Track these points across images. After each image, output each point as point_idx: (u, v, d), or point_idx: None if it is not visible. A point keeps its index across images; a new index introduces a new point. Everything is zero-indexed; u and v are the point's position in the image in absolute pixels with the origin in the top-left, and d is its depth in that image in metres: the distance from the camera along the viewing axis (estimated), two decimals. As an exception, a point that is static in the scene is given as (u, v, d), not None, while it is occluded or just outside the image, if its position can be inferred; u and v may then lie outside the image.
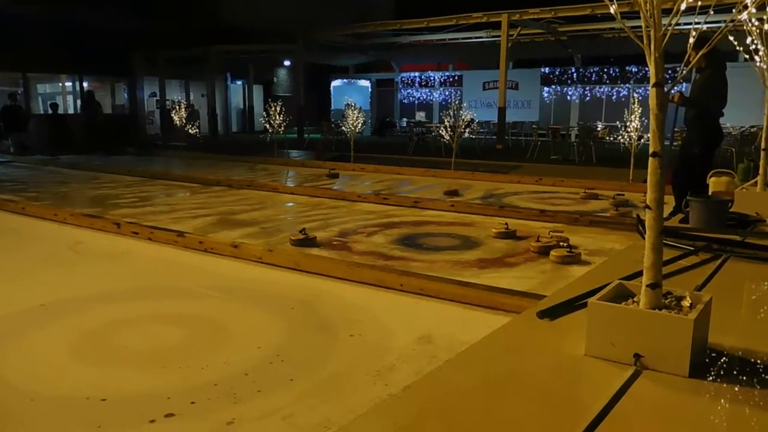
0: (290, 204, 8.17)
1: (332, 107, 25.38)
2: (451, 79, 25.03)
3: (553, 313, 2.26)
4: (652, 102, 1.80)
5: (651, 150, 1.82)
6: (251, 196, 8.56)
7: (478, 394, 1.80)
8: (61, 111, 18.71)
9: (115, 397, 2.64)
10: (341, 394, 2.72)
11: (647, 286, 1.83)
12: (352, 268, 4.46)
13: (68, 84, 21.71)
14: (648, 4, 1.78)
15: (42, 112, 19.57)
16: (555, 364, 1.94)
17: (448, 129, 10.64)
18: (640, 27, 1.82)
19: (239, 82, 25.34)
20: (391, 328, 3.53)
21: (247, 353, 3.14)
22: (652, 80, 1.80)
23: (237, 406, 2.56)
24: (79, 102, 20.57)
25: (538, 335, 2.24)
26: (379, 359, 3.07)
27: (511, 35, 17.72)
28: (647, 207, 1.84)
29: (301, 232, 5.46)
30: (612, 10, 1.88)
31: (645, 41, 1.81)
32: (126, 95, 21.65)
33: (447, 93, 24.68)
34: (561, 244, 5.06)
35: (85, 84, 20.13)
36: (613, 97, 21.22)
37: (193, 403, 2.56)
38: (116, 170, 11.74)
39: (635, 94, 11.58)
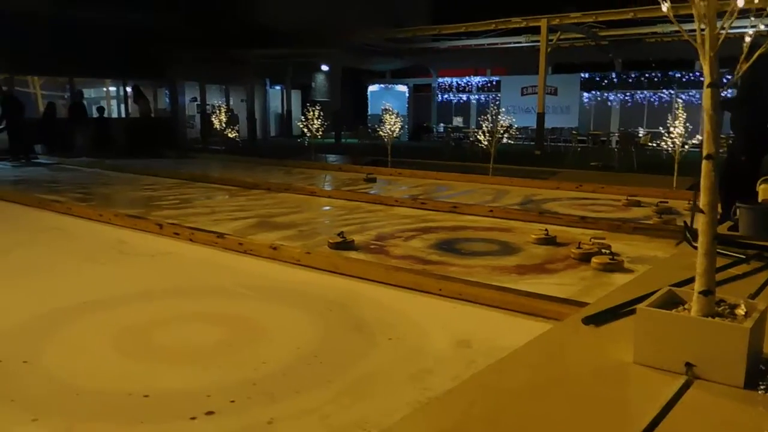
0: (327, 207, 8.22)
1: (369, 112, 25.48)
2: (488, 84, 24.88)
3: (599, 319, 2.21)
4: (707, 103, 1.74)
5: (705, 152, 1.76)
6: (289, 200, 8.63)
7: (522, 399, 1.77)
8: (104, 115, 19.22)
9: (156, 393, 2.68)
10: (379, 396, 2.70)
11: (700, 293, 1.77)
12: (389, 271, 4.45)
13: (112, 89, 22.33)
14: (703, 3, 1.73)
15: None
16: (602, 371, 1.89)
17: (486, 134, 10.56)
18: (688, 30, 1.78)
19: (278, 87, 25.65)
20: (428, 331, 3.51)
21: (285, 353, 3.16)
22: (707, 81, 1.75)
23: (275, 405, 2.57)
24: (122, 106, 21.14)
25: (584, 341, 2.19)
26: (416, 362, 3.05)
27: (551, 40, 17.53)
28: (700, 211, 1.78)
29: (339, 235, 5.48)
30: (664, 9, 1.83)
31: (698, 41, 1.76)
32: (167, 100, 22.13)
33: (484, 98, 24.54)
34: (603, 251, 4.95)
35: (128, 89, 20.66)
36: (655, 103, 20.78)
37: (232, 401, 2.58)
38: (157, 172, 11.99)
39: (679, 100, 11.28)
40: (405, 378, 2.87)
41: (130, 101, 20.17)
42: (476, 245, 5.71)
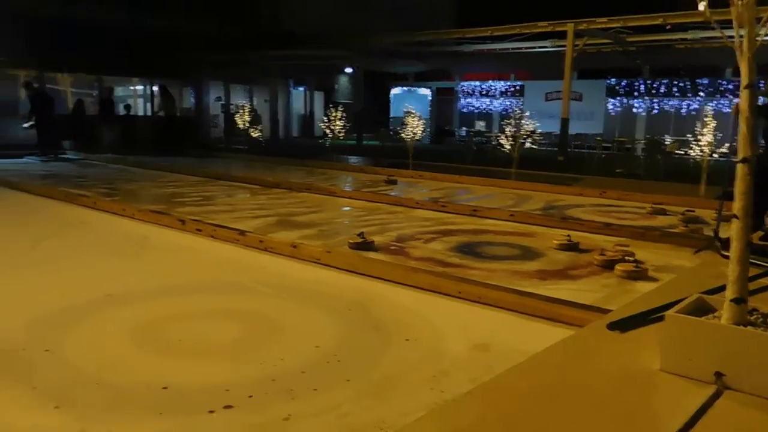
0: (348, 208, 8.22)
1: (391, 114, 25.51)
2: (512, 89, 24.74)
3: (625, 325, 2.16)
4: (743, 104, 1.70)
5: (740, 156, 1.72)
6: (310, 199, 8.65)
7: (541, 404, 1.74)
8: (131, 113, 19.52)
9: (175, 386, 2.68)
10: (396, 396, 2.68)
11: (731, 300, 1.72)
12: (409, 272, 4.43)
13: (139, 88, 22.67)
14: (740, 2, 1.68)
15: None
16: (626, 378, 1.85)
17: (509, 138, 10.49)
18: (719, 37, 1.73)
19: (301, 88, 25.81)
20: (447, 334, 3.48)
21: (304, 351, 3.15)
22: (744, 82, 1.71)
23: (293, 402, 2.56)
24: (148, 105, 21.44)
25: (607, 347, 2.14)
26: (434, 364, 3.02)
27: (577, 45, 17.35)
28: (734, 216, 1.73)
29: (359, 235, 5.47)
30: (701, 7, 1.78)
31: (736, 42, 1.72)
32: (193, 99, 22.39)
33: (508, 103, 24.41)
34: (626, 258, 4.88)
35: (155, 88, 20.93)
36: (683, 111, 20.49)
37: (250, 396, 2.58)
38: (181, 170, 12.11)
39: (708, 107, 11.06)
40: (422, 379, 2.84)
41: (156, 100, 20.46)
42: (497, 249, 5.66)
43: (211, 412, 2.44)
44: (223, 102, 22.41)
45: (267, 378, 2.78)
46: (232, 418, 2.42)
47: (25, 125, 15.16)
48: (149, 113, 21.02)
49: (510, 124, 10.72)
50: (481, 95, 25.58)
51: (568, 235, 5.67)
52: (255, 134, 17.05)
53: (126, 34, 17.48)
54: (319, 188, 9.45)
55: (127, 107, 18.73)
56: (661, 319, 1.90)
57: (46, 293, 4.15)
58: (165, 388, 2.66)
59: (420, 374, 2.90)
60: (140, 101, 22.79)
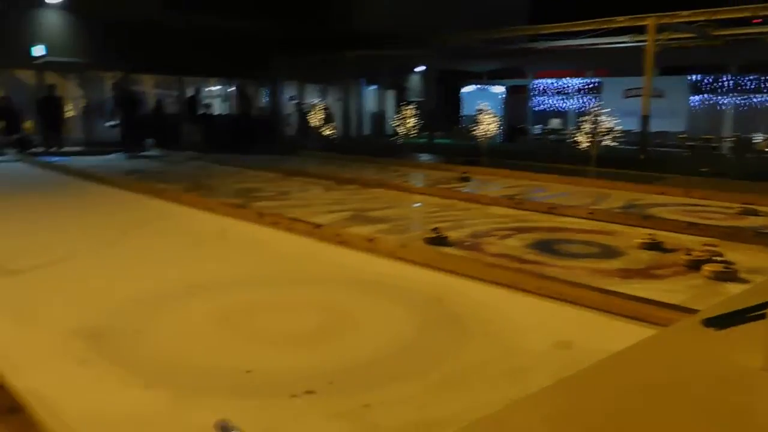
0: (421, 204, 8.21)
1: (463, 113, 25.30)
2: (588, 86, 24.02)
3: (723, 322, 2.05)
4: None
5: None
6: (383, 195, 8.70)
7: (627, 402, 1.67)
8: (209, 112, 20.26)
9: (259, 370, 2.76)
10: (475, 389, 2.66)
11: None
12: (486, 268, 4.37)
13: (216, 88, 23.50)
14: None
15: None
16: (726, 377, 1.75)
17: (587, 136, 10.20)
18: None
19: (373, 87, 26.01)
20: (525, 330, 3.42)
21: (381, 343, 3.17)
22: None
23: (372, 391, 2.58)
24: (226, 104, 22.19)
25: (701, 345, 2.04)
26: (512, 359, 2.98)
27: (658, 40, 16.63)
28: None
29: (433, 231, 5.46)
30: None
31: None
32: (267, 99, 22.99)
33: (584, 100, 23.71)
34: (715, 258, 4.63)
35: (231, 88, 21.65)
36: (774, 107, 19.30)
37: (331, 383, 2.62)
38: (257, 166, 12.46)
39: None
40: (501, 374, 2.81)
41: (234, 100, 21.18)
42: (575, 247, 5.51)
43: (294, 396, 2.50)
44: (297, 101, 22.90)
45: (346, 367, 2.82)
46: (313, 402, 2.46)
47: (108, 124, 16.03)
48: (227, 112, 21.75)
49: (587, 121, 10.42)
50: (557, 93, 24.99)
51: (651, 234, 5.45)
52: (328, 132, 17.33)
53: (206, 38, 18.16)
54: (393, 185, 9.49)
55: (206, 106, 19.46)
56: (763, 316, 1.79)
57: (135, 279, 4.37)
58: (249, 371, 2.74)
59: (499, 368, 2.86)
60: (217, 101, 23.62)
